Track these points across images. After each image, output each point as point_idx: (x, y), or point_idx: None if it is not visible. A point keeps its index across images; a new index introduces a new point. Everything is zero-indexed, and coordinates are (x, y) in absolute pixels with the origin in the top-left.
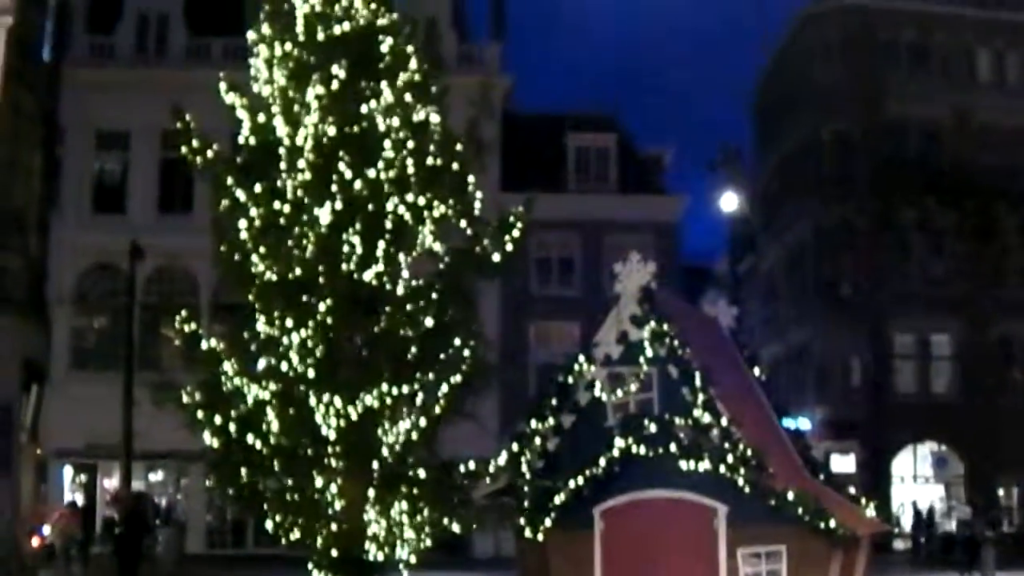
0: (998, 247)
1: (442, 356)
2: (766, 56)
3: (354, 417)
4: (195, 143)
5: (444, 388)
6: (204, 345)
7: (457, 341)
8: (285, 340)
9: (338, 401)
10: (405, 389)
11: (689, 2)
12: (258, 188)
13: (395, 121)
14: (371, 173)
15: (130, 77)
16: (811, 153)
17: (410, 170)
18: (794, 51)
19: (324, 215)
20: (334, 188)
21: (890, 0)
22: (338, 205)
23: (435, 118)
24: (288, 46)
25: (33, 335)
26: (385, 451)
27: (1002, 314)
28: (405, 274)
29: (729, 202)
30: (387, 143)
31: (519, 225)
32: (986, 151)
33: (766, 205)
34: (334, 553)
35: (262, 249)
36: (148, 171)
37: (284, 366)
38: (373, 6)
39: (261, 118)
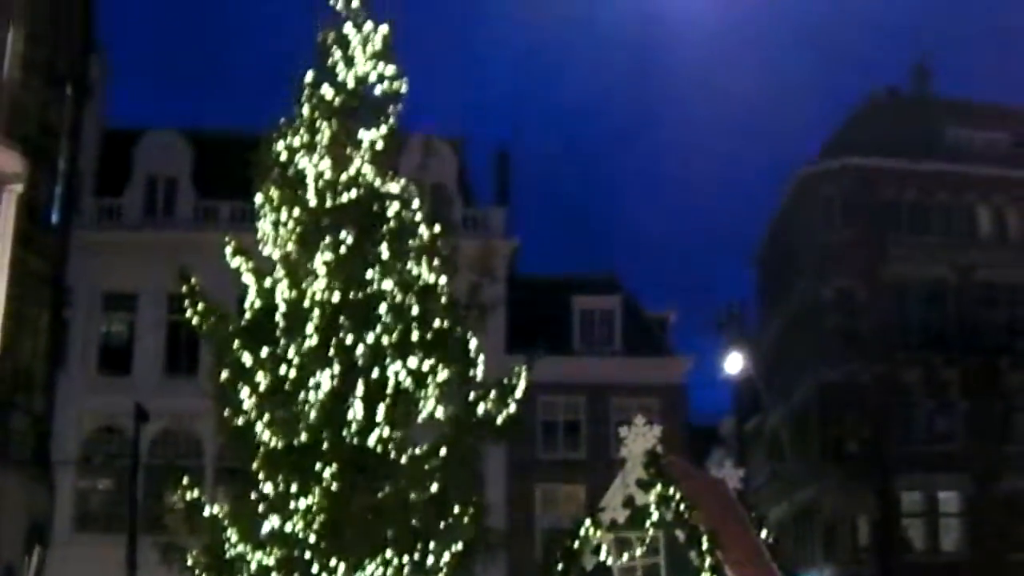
0: (1003, 403)
1: (448, 522)
2: (768, 216)
3: None
4: (200, 307)
5: (447, 556)
6: (207, 511)
7: (458, 508)
8: (290, 506)
9: (343, 568)
10: (410, 557)
11: (688, 161)
12: (264, 353)
13: (400, 285)
14: (370, 338)
15: (138, 240)
16: (814, 312)
17: (414, 335)
18: (795, 210)
19: (325, 381)
20: (342, 351)
21: (890, 159)
22: (338, 370)
23: (442, 281)
24: (296, 211)
25: (37, 496)
26: None
27: (1009, 470)
28: (408, 439)
29: (734, 363)
30: (389, 307)
31: (521, 385)
32: (988, 308)
33: (771, 364)
34: None
35: (267, 416)
36: (154, 333)
37: (288, 531)
38: (381, 173)
39: (267, 282)
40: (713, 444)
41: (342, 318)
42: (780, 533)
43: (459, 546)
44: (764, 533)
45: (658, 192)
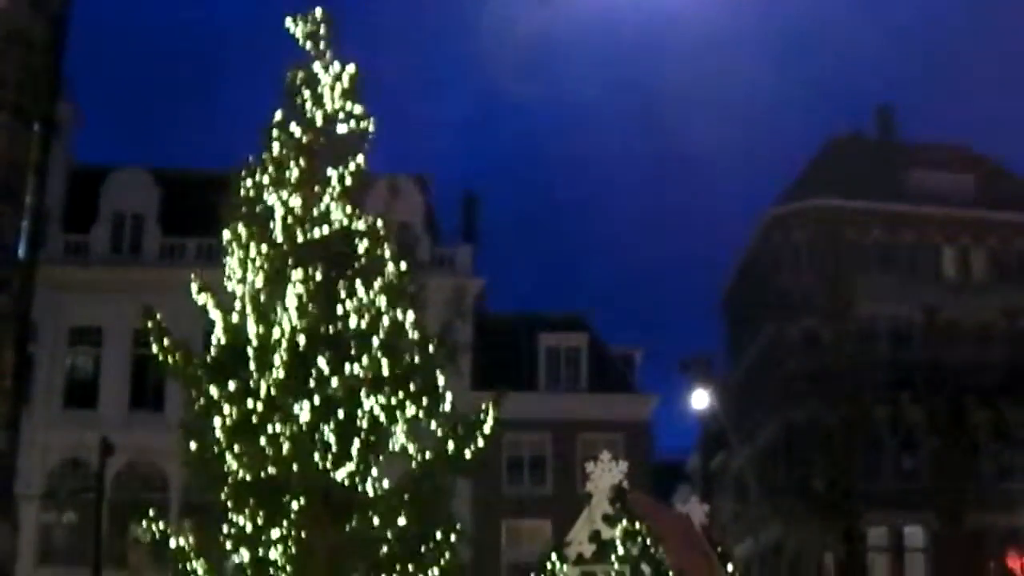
0: (969, 441)
1: (418, 555)
2: (734, 257)
3: None
4: (166, 342)
5: None
6: (173, 543)
7: (435, 539)
8: (257, 539)
9: None
10: None
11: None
12: (232, 386)
13: (369, 321)
14: (347, 371)
15: (104, 276)
16: (780, 351)
17: (384, 371)
18: (762, 251)
19: (304, 413)
20: (312, 385)
21: (855, 200)
22: (316, 402)
23: (410, 317)
24: (264, 247)
25: (0, 531)
26: None
27: (974, 507)
28: (376, 473)
29: (699, 400)
30: (359, 342)
31: (489, 422)
32: (954, 347)
33: (737, 403)
34: None
35: (236, 448)
36: (120, 368)
37: (255, 567)
38: (348, 210)
39: (234, 318)
40: (679, 481)
41: (317, 351)
42: (746, 570)
43: None
44: (730, 567)
45: (625, 232)
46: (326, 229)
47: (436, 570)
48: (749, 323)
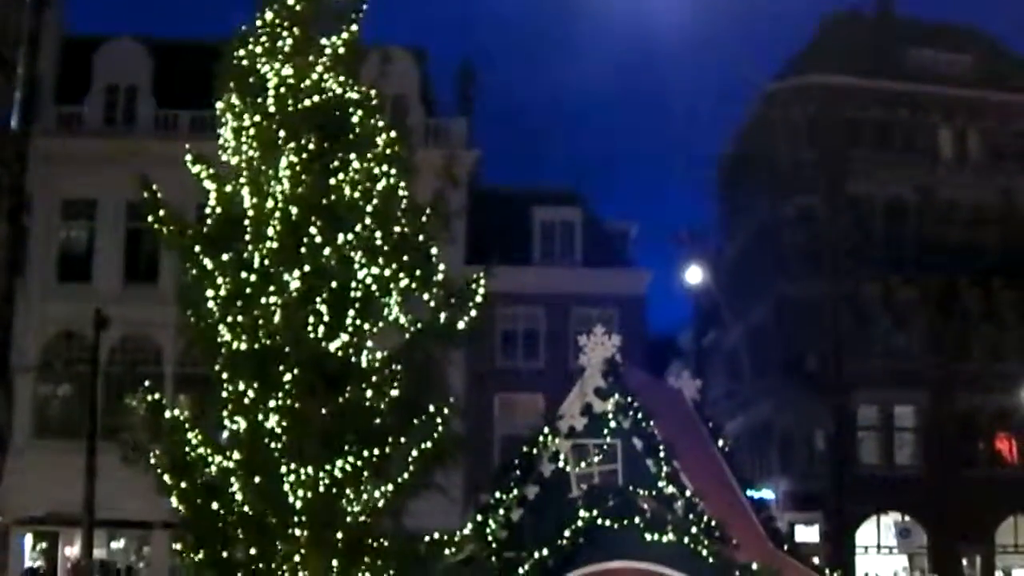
0: (961, 322)
1: (411, 426)
2: (731, 132)
3: (321, 487)
4: (161, 213)
5: (412, 458)
6: (168, 414)
7: (428, 411)
8: (251, 409)
9: (306, 470)
10: (373, 458)
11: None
12: (225, 258)
13: (364, 191)
14: (339, 240)
15: (98, 148)
16: (775, 229)
17: (378, 241)
18: (759, 128)
19: (294, 282)
20: (302, 253)
21: (854, 78)
22: (306, 270)
23: (403, 189)
24: (257, 117)
25: None
26: (350, 520)
27: (965, 388)
28: (370, 345)
29: (693, 275)
30: (353, 212)
31: (481, 291)
32: (948, 227)
33: (730, 280)
34: None
35: (229, 319)
36: (114, 241)
37: (250, 435)
38: (342, 80)
39: (228, 188)
40: (672, 356)
41: (310, 221)
42: (737, 446)
43: (426, 447)
44: (720, 443)
45: (622, 107)
46: (319, 99)
47: (430, 443)
48: (744, 199)
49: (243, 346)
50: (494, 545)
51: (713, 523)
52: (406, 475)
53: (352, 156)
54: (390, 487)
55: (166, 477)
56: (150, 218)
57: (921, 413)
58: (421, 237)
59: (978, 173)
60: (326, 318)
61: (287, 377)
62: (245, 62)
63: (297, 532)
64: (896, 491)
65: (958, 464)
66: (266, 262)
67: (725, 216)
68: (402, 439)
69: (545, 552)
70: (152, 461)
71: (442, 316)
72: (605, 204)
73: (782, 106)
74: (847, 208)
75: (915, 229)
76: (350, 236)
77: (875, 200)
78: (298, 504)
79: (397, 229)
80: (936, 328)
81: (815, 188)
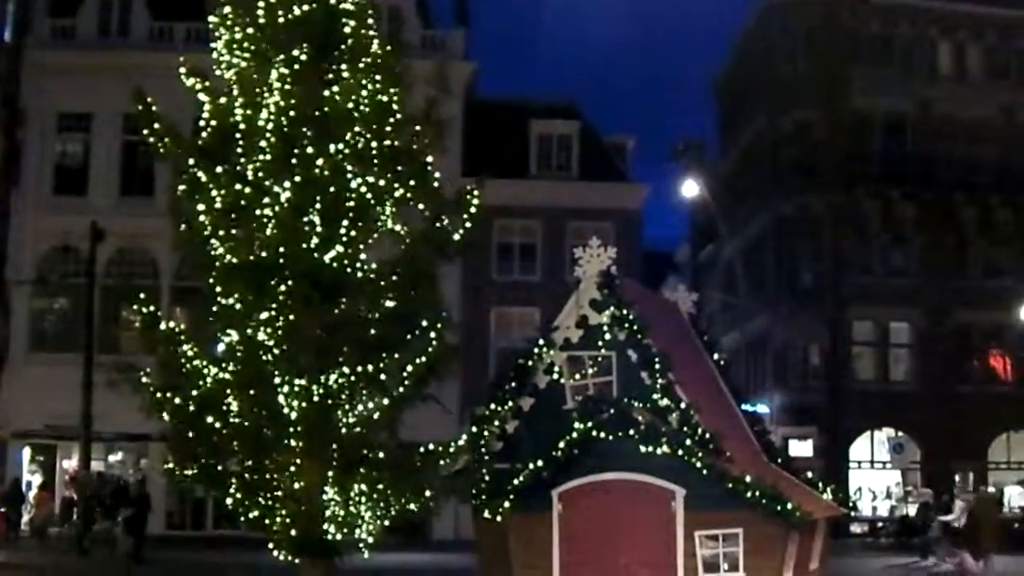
0: (958, 238)
1: (406, 338)
2: (729, 46)
3: (316, 398)
4: (156, 126)
5: (407, 370)
6: (163, 326)
7: (423, 323)
8: (246, 321)
9: (300, 381)
10: (368, 369)
11: None
12: (219, 170)
13: (357, 102)
14: (332, 150)
15: (92, 60)
16: (772, 143)
17: (372, 151)
18: (756, 41)
19: (285, 193)
20: (295, 164)
21: None
22: (299, 180)
23: (395, 100)
24: (249, 28)
25: None
26: (345, 432)
27: (961, 304)
28: (365, 256)
29: (690, 189)
30: (348, 123)
31: (476, 201)
32: (946, 143)
33: (727, 194)
34: (293, 534)
35: (222, 232)
36: (110, 154)
37: (245, 348)
38: None
39: (222, 101)
40: (668, 270)
41: (302, 132)
42: (732, 360)
43: (421, 360)
44: (716, 356)
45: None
46: (309, 8)
47: (425, 356)
48: (742, 112)
49: (236, 259)
50: (488, 456)
51: (707, 436)
52: (401, 388)
53: (343, 67)
54: (385, 399)
55: (158, 395)
56: (145, 131)
57: (916, 329)
58: (415, 147)
59: (977, 89)
60: (319, 228)
61: (281, 289)
62: None
63: (292, 443)
64: (890, 407)
65: (952, 380)
66: (260, 174)
67: (722, 129)
68: (397, 352)
69: (539, 463)
70: (144, 380)
71: (437, 225)
72: (603, 118)
73: (780, 19)
74: (845, 123)
75: (913, 145)
76: (342, 146)
77: (873, 115)
78: (293, 416)
79: (390, 138)
80: (932, 244)
81: (813, 102)
